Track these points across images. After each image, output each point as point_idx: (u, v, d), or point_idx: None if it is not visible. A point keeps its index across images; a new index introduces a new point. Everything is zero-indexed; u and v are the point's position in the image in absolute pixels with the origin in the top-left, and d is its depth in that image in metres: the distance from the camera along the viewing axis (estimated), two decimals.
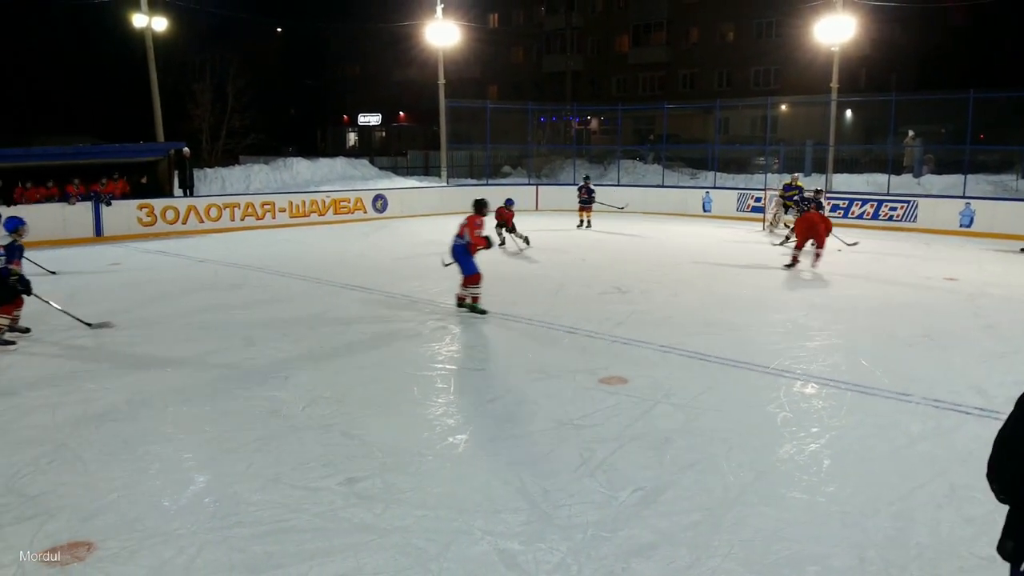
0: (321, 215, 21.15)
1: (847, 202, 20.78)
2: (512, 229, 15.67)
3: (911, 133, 27.27)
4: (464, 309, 9.73)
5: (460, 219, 9.84)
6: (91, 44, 38.58)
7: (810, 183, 21.55)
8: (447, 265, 9.80)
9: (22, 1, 37.28)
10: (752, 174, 27.99)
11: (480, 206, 9.78)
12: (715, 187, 24.55)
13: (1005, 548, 2.87)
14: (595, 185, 21.01)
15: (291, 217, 20.55)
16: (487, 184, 26.11)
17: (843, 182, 24.11)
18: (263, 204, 20.24)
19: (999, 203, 18.84)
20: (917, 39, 32.51)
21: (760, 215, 20.61)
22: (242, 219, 19.61)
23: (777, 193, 19.24)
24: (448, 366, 7.75)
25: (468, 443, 5.63)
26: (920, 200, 20.07)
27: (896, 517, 4.46)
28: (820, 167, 25.32)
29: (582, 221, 19.72)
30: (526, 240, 15.63)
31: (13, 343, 8.20)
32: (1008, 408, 2.87)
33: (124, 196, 18.38)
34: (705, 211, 23.33)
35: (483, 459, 5.32)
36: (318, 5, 46.97)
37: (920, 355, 8.03)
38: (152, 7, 23.35)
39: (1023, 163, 23.80)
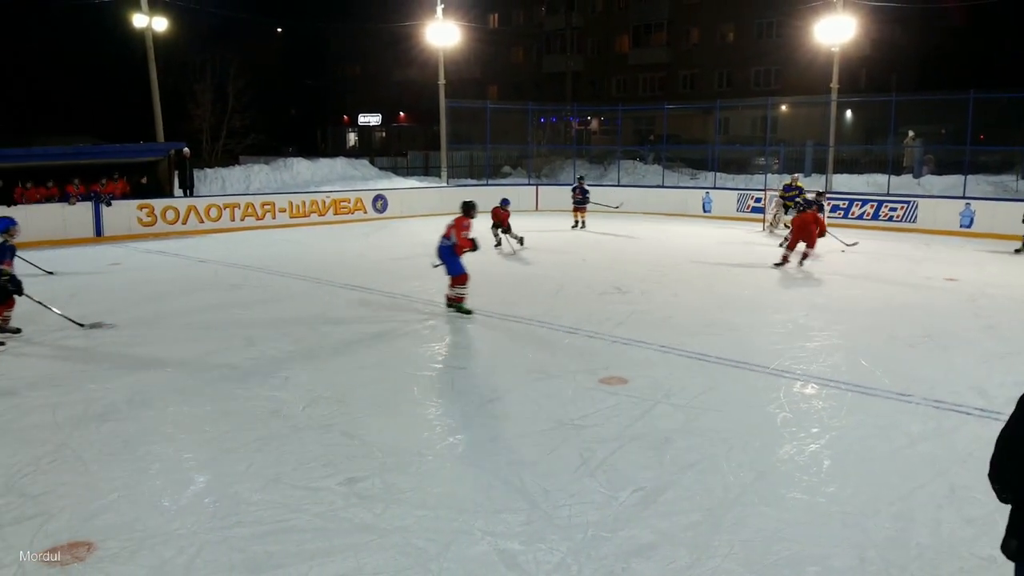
0: (321, 215, 21.15)
1: (847, 203, 20.78)
2: (507, 229, 15.52)
3: (911, 133, 27.27)
4: (452, 309, 9.71)
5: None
6: (91, 44, 38.57)
7: (810, 183, 21.57)
8: (436, 266, 9.78)
9: (22, 1, 37.32)
10: (752, 174, 27.96)
11: (468, 208, 9.77)
12: (715, 187, 24.54)
13: (1009, 547, 2.87)
14: (593, 185, 21.01)
15: (291, 217, 20.55)
16: (487, 184, 26.11)
17: (843, 182, 24.11)
18: (263, 204, 20.24)
19: (999, 203, 18.81)
20: (917, 39, 32.51)
21: (760, 215, 20.61)
22: (242, 219, 19.61)
23: (777, 193, 19.24)
24: (448, 366, 7.75)
25: (468, 443, 5.63)
26: (920, 200, 20.07)
27: (896, 517, 4.46)
28: (820, 167, 25.32)
29: (577, 221, 19.69)
30: (520, 241, 15.46)
31: (2, 344, 8.19)
32: (1009, 409, 2.87)
33: (124, 196, 18.39)
34: (705, 211, 23.32)
35: (483, 459, 5.32)
36: (318, 5, 47.00)
37: (920, 355, 8.03)
38: (152, 7, 23.35)
39: (1023, 163, 23.79)
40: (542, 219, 21.42)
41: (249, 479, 4.93)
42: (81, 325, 8.91)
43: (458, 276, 9.63)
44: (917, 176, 25.07)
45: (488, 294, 11.00)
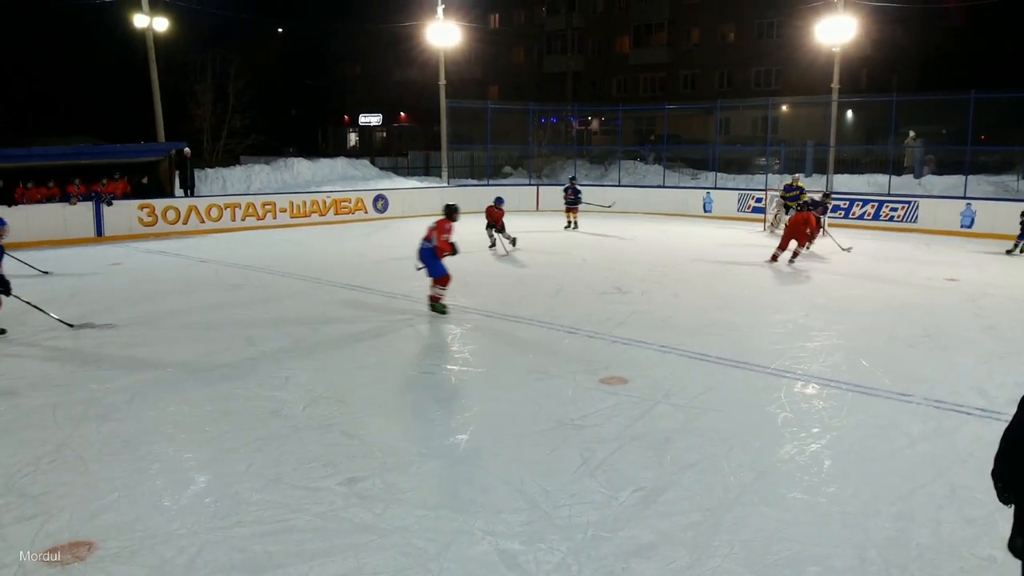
0: (322, 215, 21.15)
1: (848, 203, 20.77)
2: (501, 229, 15.37)
3: (912, 134, 27.25)
4: (435, 311, 9.66)
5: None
6: (92, 44, 38.59)
7: (811, 184, 21.56)
8: (419, 269, 9.72)
9: (22, 1, 37.34)
10: (753, 175, 27.96)
11: (451, 211, 9.74)
12: (716, 188, 24.54)
13: (1015, 545, 2.88)
14: (594, 185, 21.00)
15: (292, 217, 20.55)
16: (488, 184, 26.10)
17: (844, 183, 24.09)
18: (264, 204, 20.25)
19: (1000, 204, 18.81)
20: (918, 40, 32.51)
21: (761, 216, 20.62)
22: (243, 219, 19.61)
23: (778, 194, 19.24)
24: (449, 366, 7.75)
25: (468, 443, 5.63)
26: (921, 201, 20.07)
27: (897, 518, 4.46)
28: (821, 168, 25.32)
29: (569, 222, 19.65)
30: (513, 242, 15.33)
31: None
32: (1009, 408, 2.88)
33: (125, 196, 18.40)
34: (706, 212, 23.33)
35: (483, 459, 5.32)
36: (319, 5, 47.02)
37: (921, 356, 8.02)
38: (153, 7, 23.37)
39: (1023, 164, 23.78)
40: (542, 219, 21.43)
41: (249, 479, 4.94)
42: (71, 326, 8.88)
43: (440, 278, 9.59)
44: (918, 176, 25.05)
45: (488, 294, 11.01)
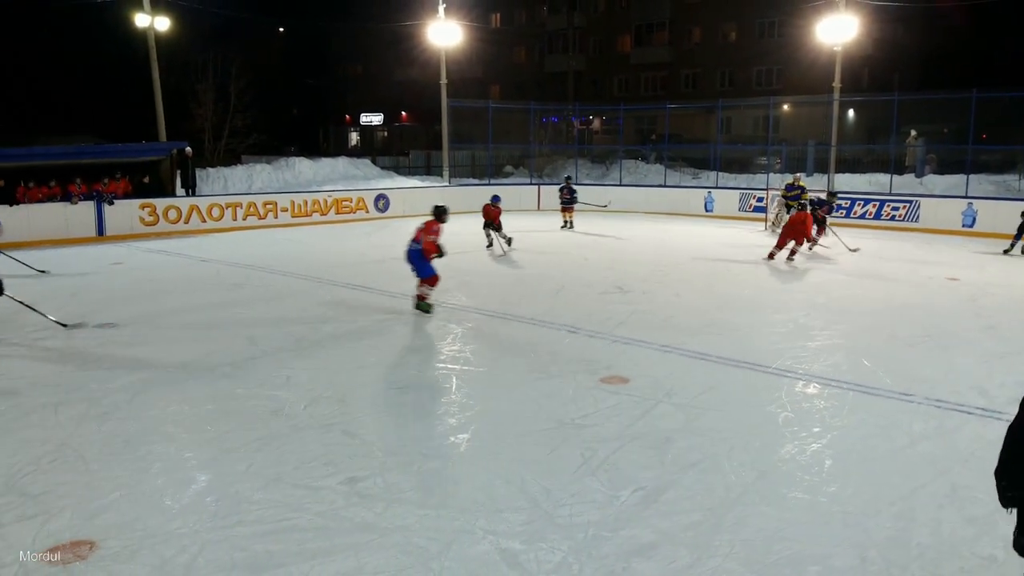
0: (323, 215, 21.16)
1: (849, 202, 20.75)
2: (498, 228, 15.30)
3: (913, 133, 27.21)
4: (419, 309, 9.64)
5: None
6: (93, 44, 38.61)
7: (812, 183, 21.54)
8: (413, 270, 9.71)
9: (23, 1, 37.36)
10: (754, 174, 27.93)
11: (440, 212, 9.73)
12: (717, 187, 24.53)
13: (1021, 544, 2.88)
14: (594, 185, 20.99)
15: (293, 217, 20.56)
16: (489, 184, 26.10)
17: (845, 182, 24.06)
18: (265, 204, 20.25)
19: (1001, 203, 18.79)
20: (919, 39, 32.48)
21: (762, 215, 20.61)
22: (244, 219, 19.62)
23: (779, 193, 19.22)
24: (449, 365, 7.75)
25: (469, 442, 5.63)
26: (922, 200, 20.05)
27: (898, 517, 4.46)
28: (822, 167, 25.29)
29: (566, 222, 19.64)
30: (508, 242, 15.24)
31: None
32: (1009, 408, 2.88)
33: (126, 196, 18.40)
34: (707, 211, 23.32)
35: (484, 458, 5.32)
36: (320, 5, 47.03)
37: (922, 355, 8.02)
38: (155, 7, 23.39)
39: None
40: (543, 219, 21.41)
41: (250, 478, 4.94)
42: (64, 325, 8.86)
43: (428, 278, 9.59)
44: (919, 175, 25.02)
45: (488, 294, 11.01)
